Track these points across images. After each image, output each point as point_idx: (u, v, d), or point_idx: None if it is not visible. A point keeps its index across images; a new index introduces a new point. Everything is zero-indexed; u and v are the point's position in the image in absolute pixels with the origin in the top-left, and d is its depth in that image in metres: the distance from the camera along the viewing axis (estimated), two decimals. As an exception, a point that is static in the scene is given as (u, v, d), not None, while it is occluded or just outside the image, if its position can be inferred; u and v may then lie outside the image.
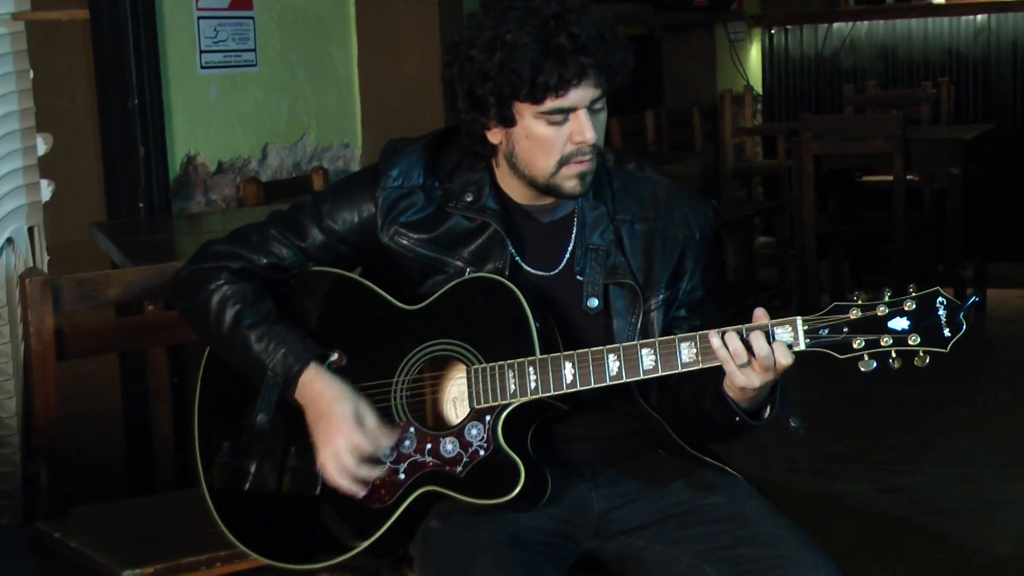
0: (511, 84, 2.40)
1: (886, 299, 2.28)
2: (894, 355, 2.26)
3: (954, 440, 5.40)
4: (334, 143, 5.41)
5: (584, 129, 2.42)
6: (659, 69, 8.92)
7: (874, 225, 7.50)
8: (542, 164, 2.46)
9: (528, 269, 2.54)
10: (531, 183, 2.50)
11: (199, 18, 4.80)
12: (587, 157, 2.45)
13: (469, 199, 2.54)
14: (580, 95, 2.41)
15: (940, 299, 2.26)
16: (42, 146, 4.64)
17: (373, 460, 2.46)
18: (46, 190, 4.66)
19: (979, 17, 8.84)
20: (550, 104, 2.41)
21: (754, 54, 9.62)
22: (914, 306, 2.26)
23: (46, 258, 4.70)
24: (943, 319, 2.25)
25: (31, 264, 4.66)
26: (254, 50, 5.02)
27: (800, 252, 7.16)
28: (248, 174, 4.97)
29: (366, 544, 2.47)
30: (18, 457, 4.65)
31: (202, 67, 4.82)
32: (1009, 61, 8.77)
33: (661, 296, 2.54)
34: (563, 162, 2.45)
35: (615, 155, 2.64)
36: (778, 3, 9.79)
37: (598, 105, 2.45)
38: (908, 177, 6.99)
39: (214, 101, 4.88)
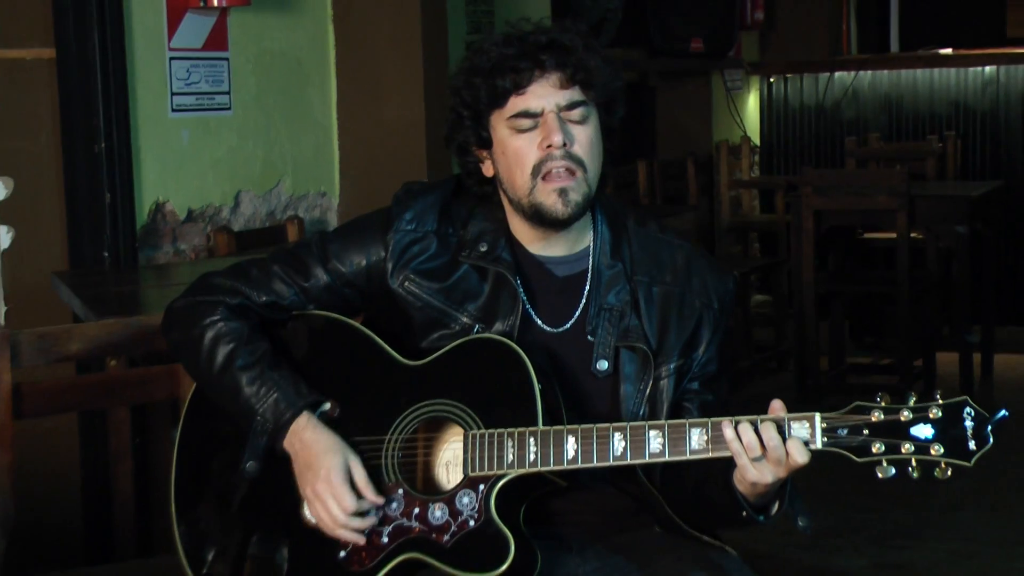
0: (472, 91, 2.46)
1: (911, 404, 2.23)
2: (914, 464, 2.21)
3: (958, 514, 5.33)
4: (310, 191, 5.39)
5: (551, 131, 2.41)
6: (652, 117, 8.90)
7: (876, 285, 7.41)
8: (519, 180, 2.46)
9: (539, 323, 2.52)
10: (521, 210, 2.48)
11: (171, 59, 4.78)
12: (560, 166, 2.42)
13: (483, 249, 2.53)
14: (543, 94, 2.42)
15: (968, 409, 2.21)
16: (2, 190, 4.52)
17: (361, 514, 2.41)
18: (5, 237, 4.53)
19: (987, 68, 8.81)
20: (513, 105, 2.43)
21: (752, 103, 9.61)
22: (940, 414, 2.22)
23: (4, 309, 4.57)
24: (969, 431, 2.21)
25: (-13, 316, 4.59)
26: (228, 93, 4.99)
27: (798, 312, 7.08)
28: (219, 223, 4.94)
29: None
30: (-33, 521, 4.54)
31: (173, 110, 4.79)
32: (1019, 115, 8.73)
33: (673, 364, 2.51)
34: (536, 172, 2.42)
35: (635, 215, 2.62)
36: (778, 51, 9.80)
37: (574, 114, 2.44)
38: (912, 235, 6.95)
39: (185, 146, 4.85)
